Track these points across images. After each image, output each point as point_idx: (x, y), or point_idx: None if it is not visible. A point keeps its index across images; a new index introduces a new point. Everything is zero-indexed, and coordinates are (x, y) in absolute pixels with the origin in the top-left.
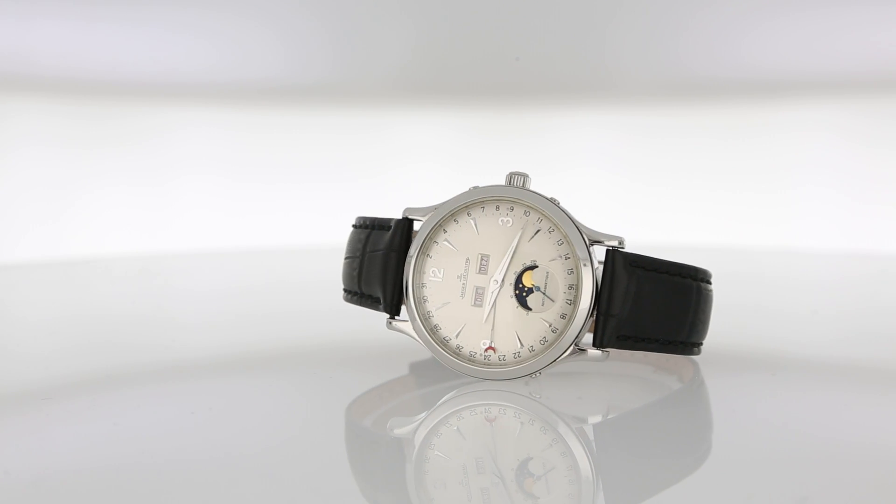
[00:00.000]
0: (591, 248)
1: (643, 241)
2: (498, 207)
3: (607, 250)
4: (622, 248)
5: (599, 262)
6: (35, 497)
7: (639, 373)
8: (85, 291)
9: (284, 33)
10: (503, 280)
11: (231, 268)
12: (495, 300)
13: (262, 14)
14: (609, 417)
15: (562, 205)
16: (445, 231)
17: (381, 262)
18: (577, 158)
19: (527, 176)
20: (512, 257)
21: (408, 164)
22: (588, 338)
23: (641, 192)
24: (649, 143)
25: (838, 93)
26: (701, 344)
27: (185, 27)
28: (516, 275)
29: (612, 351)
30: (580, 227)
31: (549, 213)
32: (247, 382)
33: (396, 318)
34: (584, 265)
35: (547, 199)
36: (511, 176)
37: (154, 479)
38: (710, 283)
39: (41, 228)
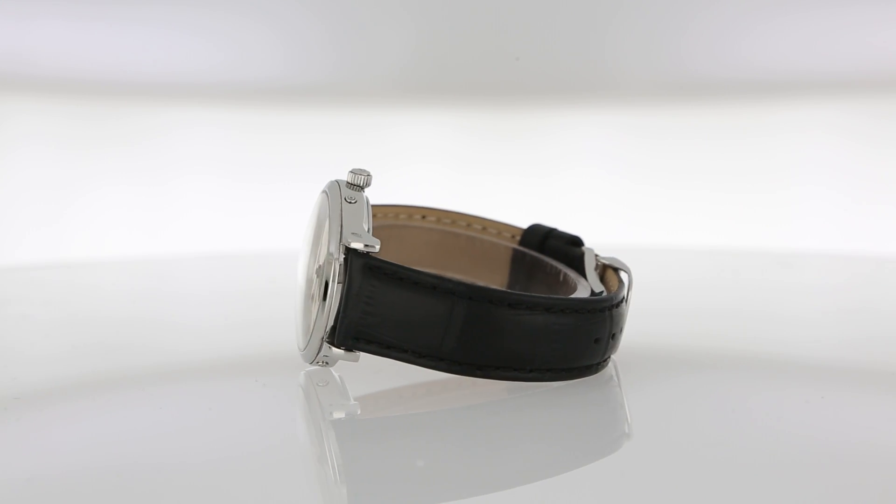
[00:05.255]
0: (342, 249)
1: (642, 242)
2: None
3: (348, 253)
4: (371, 252)
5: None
6: (34, 497)
7: None
8: (85, 292)
9: (284, 33)
10: (316, 269)
11: (231, 269)
12: (313, 287)
13: (262, 14)
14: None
15: (351, 205)
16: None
17: None
18: (577, 158)
19: (368, 175)
20: (319, 248)
21: (408, 164)
22: None
23: (641, 192)
24: (649, 143)
25: (838, 93)
26: (495, 367)
27: (185, 27)
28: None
29: None
30: (343, 229)
31: (332, 211)
32: (246, 384)
33: None
34: (330, 265)
35: (341, 197)
36: (351, 172)
37: (153, 480)
38: (509, 307)
39: (41, 230)
